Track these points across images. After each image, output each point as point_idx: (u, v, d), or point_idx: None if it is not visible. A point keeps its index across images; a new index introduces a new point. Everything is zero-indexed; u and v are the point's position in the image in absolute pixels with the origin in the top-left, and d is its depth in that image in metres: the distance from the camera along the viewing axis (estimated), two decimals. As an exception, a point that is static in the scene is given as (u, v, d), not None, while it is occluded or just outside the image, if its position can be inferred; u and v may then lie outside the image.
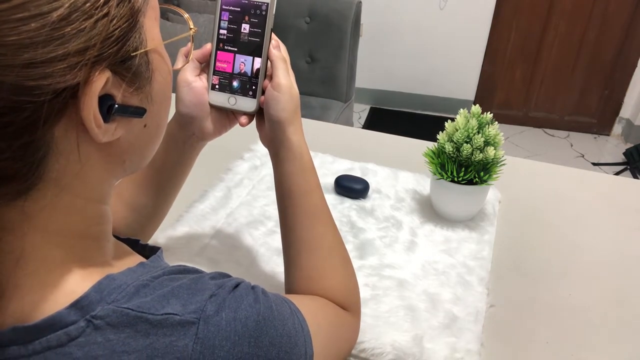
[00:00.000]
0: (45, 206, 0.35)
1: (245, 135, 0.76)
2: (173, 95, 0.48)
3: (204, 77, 0.63)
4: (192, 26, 0.51)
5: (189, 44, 0.54)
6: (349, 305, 0.59)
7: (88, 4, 0.31)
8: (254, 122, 0.65)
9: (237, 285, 0.40)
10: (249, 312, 0.38)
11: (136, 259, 0.44)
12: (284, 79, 0.59)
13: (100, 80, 0.33)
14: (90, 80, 0.32)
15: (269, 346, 0.38)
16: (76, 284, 0.36)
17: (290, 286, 0.61)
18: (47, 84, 0.30)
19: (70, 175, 0.35)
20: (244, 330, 0.37)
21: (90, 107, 0.33)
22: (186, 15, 0.52)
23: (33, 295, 0.35)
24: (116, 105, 0.35)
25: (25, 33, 0.29)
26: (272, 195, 0.97)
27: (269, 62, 0.61)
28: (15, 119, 0.30)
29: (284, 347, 0.39)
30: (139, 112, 0.38)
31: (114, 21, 0.33)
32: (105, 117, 0.35)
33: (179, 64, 0.56)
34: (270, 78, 0.60)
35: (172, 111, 0.61)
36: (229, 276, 0.43)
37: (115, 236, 0.45)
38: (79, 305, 0.34)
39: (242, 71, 0.62)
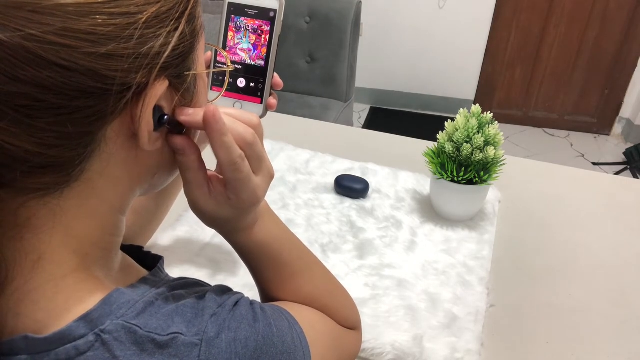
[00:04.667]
0: (73, 207, 0.35)
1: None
2: None
3: None
4: (229, 63, 0.55)
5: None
6: (351, 325, 0.58)
7: (165, 15, 0.34)
8: None
9: (236, 303, 0.41)
10: (249, 333, 0.38)
11: (139, 271, 0.44)
12: (202, 202, 0.44)
13: (162, 88, 0.35)
14: (154, 84, 0.35)
15: None
16: (87, 294, 0.36)
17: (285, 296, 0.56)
18: (121, 77, 0.32)
19: (105, 179, 0.36)
20: (244, 352, 0.37)
21: (148, 112, 0.35)
22: (226, 54, 0.56)
23: (46, 303, 0.35)
24: (166, 116, 0.38)
25: (113, 26, 0.31)
26: (272, 195, 0.97)
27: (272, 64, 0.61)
28: (85, 105, 0.32)
29: None
30: (181, 128, 0.41)
31: (182, 36, 0.36)
32: (155, 126, 0.37)
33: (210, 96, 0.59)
34: (277, 85, 0.60)
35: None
36: (230, 290, 0.43)
37: None
38: (88, 318, 0.34)
39: (248, 77, 0.62)
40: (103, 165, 0.35)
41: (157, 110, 0.37)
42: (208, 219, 0.46)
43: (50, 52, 0.29)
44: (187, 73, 0.39)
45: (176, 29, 0.35)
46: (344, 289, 0.60)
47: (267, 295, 0.54)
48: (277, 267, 0.52)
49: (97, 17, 0.31)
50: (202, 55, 0.42)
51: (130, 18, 0.32)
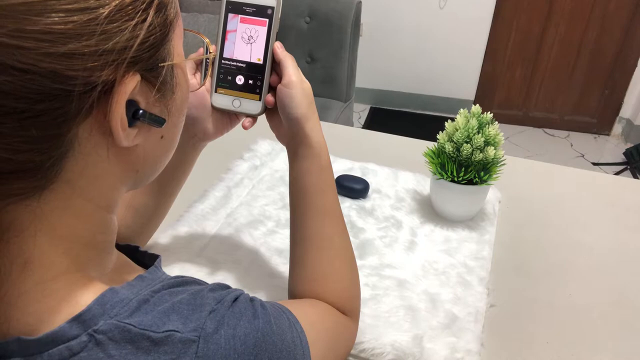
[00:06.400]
0: (56, 208, 0.34)
1: (245, 135, 0.76)
2: None
3: (197, 76, 0.63)
4: (211, 50, 0.55)
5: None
6: (349, 310, 0.59)
7: (131, 7, 0.33)
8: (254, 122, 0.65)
9: (236, 299, 0.40)
10: (248, 329, 0.38)
11: (135, 270, 0.44)
12: (295, 75, 0.59)
13: (132, 83, 0.34)
14: (123, 81, 0.34)
15: None
16: (79, 295, 0.35)
17: (294, 286, 0.61)
18: (85, 76, 0.31)
19: (85, 179, 0.35)
20: (243, 348, 0.37)
21: (119, 108, 0.34)
22: (207, 40, 0.55)
23: (37, 305, 0.34)
24: (141, 111, 0.36)
25: (72, 24, 0.30)
26: (272, 195, 0.97)
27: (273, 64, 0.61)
28: (49, 108, 0.30)
29: None
30: (160, 121, 0.39)
31: (151, 28, 0.35)
32: (130, 122, 0.36)
33: (194, 86, 0.60)
34: (280, 78, 0.60)
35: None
36: (228, 287, 0.43)
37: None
38: (81, 318, 0.34)
39: (247, 74, 0.62)
40: (80, 165, 0.34)
41: (132, 105, 0.36)
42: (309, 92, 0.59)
43: (5, 55, 0.28)
44: (162, 65, 0.37)
45: (144, 20, 0.34)
46: (357, 272, 0.63)
47: (295, 224, 0.61)
48: (323, 197, 0.61)
49: (53, 15, 0.29)
50: (180, 45, 0.41)
51: (91, 13, 0.31)
